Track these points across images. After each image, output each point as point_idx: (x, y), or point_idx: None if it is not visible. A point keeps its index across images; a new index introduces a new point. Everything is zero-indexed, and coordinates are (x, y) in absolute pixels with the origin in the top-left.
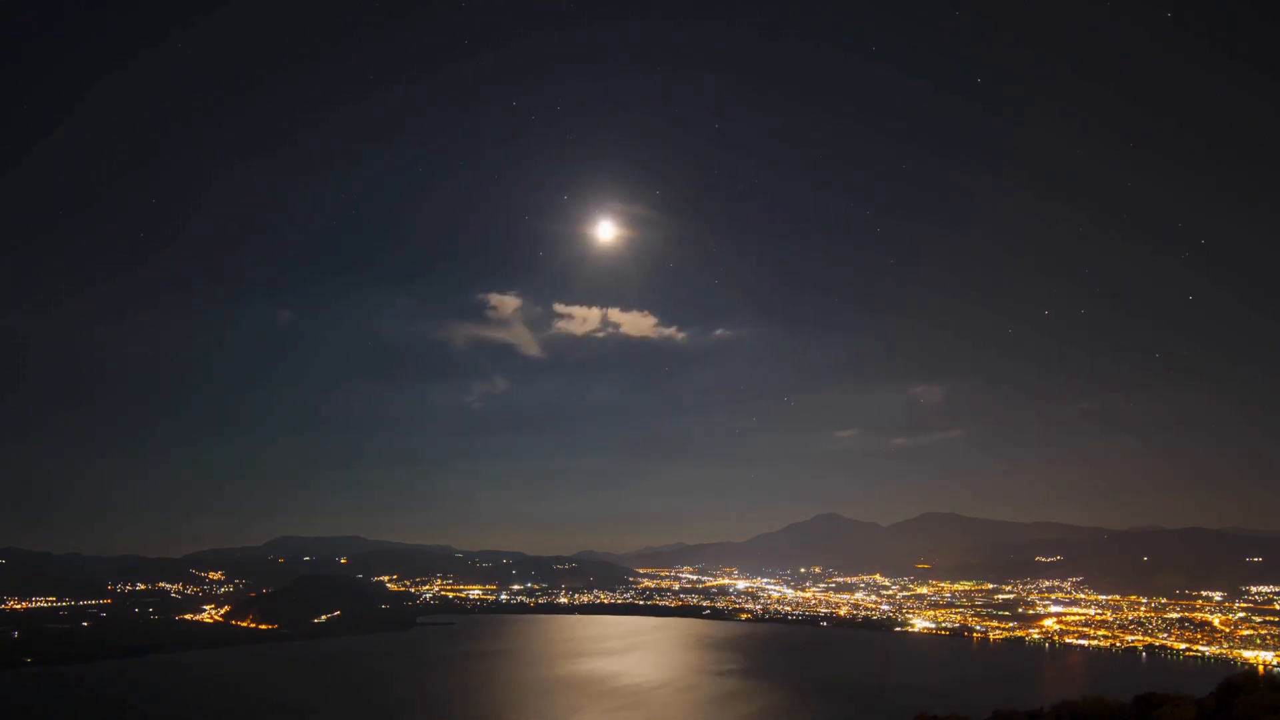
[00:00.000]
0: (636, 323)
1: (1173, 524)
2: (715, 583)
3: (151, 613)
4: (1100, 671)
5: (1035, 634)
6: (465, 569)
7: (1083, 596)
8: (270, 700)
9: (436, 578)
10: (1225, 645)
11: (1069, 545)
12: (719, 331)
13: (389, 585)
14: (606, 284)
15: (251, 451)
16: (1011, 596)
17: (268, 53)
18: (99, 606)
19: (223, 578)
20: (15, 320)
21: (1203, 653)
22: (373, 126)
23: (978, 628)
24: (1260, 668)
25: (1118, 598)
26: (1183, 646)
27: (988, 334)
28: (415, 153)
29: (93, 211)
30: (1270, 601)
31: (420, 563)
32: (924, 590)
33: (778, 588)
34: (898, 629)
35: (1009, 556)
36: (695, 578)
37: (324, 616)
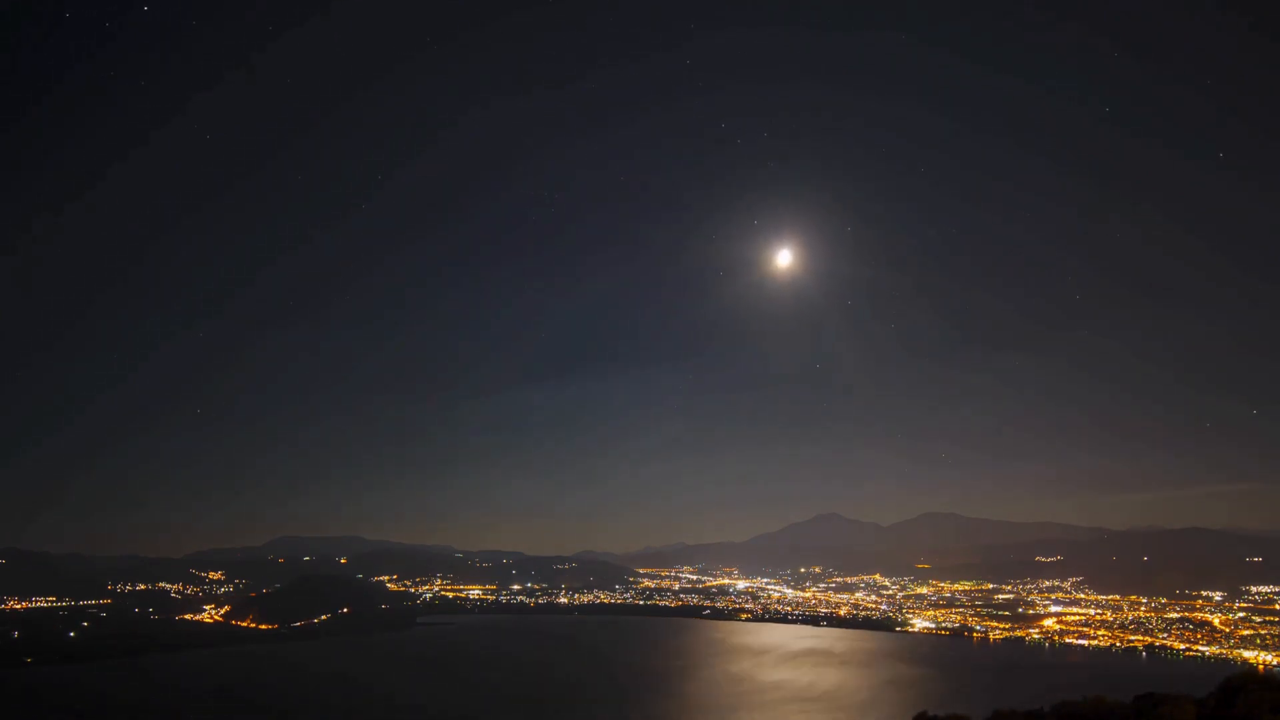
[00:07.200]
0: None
1: (1173, 524)
2: (715, 583)
3: (151, 613)
4: (1100, 671)
5: (1035, 634)
6: (465, 569)
7: (1083, 596)
8: None
9: (436, 578)
10: (1225, 645)
11: (1069, 545)
12: (863, 375)
13: (389, 585)
14: (774, 312)
15: (252, 452)
16: (1011, 596)
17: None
18: (99, 606)
19: (223, 578)
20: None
21: (1203, 653)
22: (570, 121)
23: (978, 628)
24: (1260, 668)
25: (1118, 598)
26: (1183, 646)
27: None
28: (613, 157)
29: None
30: (1270, 601)
31: (420, 563)
32: (924, 590)
33: (778, 588)
34: (898, 629)
35: (1009, 556)
36: (695, 578)
37: (324, 616)
